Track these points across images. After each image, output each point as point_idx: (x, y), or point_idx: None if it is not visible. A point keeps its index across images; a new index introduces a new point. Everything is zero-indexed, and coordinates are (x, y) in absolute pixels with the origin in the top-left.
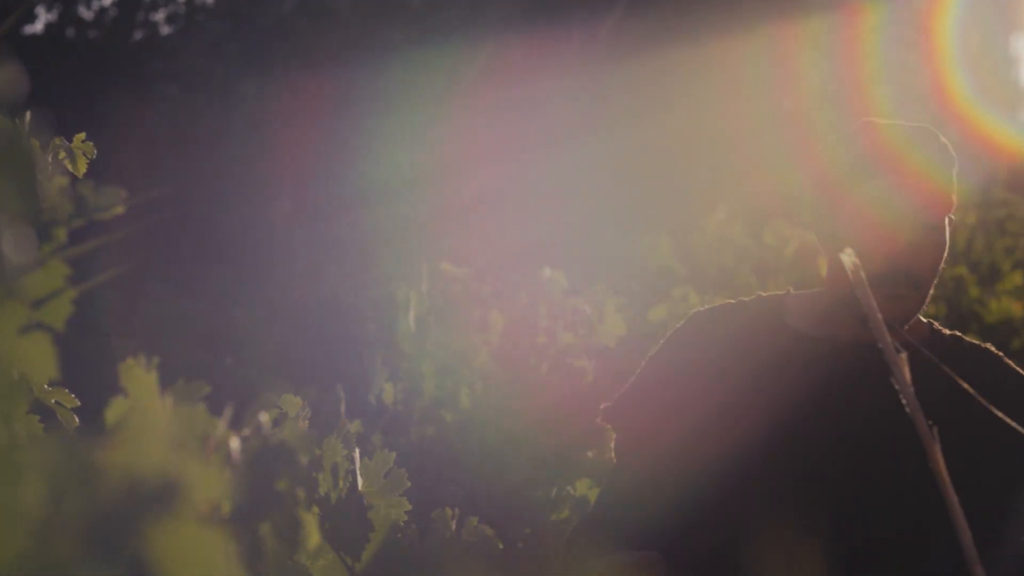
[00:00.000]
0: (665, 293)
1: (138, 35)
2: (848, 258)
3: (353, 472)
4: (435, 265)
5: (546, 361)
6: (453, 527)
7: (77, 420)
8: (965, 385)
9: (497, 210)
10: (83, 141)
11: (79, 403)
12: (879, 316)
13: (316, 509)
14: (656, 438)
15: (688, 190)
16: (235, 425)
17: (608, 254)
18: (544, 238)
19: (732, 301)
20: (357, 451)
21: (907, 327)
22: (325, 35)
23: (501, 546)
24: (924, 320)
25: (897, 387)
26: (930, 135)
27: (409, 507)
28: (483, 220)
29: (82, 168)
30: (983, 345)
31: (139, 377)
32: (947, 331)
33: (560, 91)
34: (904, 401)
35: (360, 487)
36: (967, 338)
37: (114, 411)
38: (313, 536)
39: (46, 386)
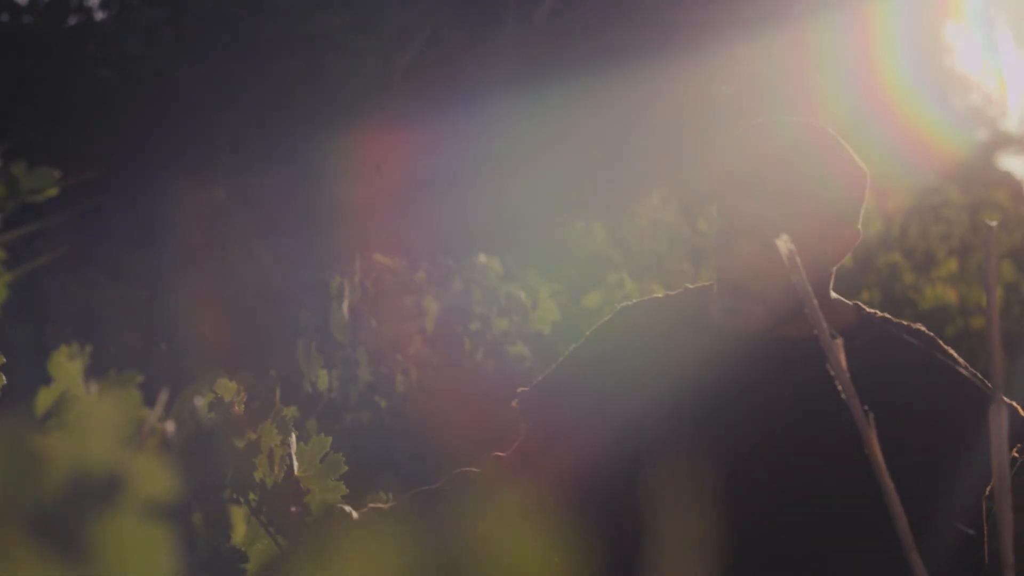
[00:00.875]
0: (599, 279)
1: (72, 20)
2: (783, 244)
3: (289, 457)
4: (369, 253)
5: (481, 347)
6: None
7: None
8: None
9: (432, 197)
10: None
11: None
12: (815, 302)
13: (252, 495)
14: (565, 433)
15: (622, 176)
16: (170, 411)
17: (542, 240)
18: (478, 225)
19: (659, 295)
20: (294, 436)
21: (832, 312)
22: (261, 22)
23: None
24: (849, 303)
25: (833, 373)
26: (821, 141)
27: (346, 492)
28: (418, 207)
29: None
30: (914, 326)
31: (65, 365)
32: (878, 313)
33: (495, 77)
34: (840, 387)
35: (296, 472)
36: (896, 320)
37: (44, 399)
38: (243, 523)
39: None
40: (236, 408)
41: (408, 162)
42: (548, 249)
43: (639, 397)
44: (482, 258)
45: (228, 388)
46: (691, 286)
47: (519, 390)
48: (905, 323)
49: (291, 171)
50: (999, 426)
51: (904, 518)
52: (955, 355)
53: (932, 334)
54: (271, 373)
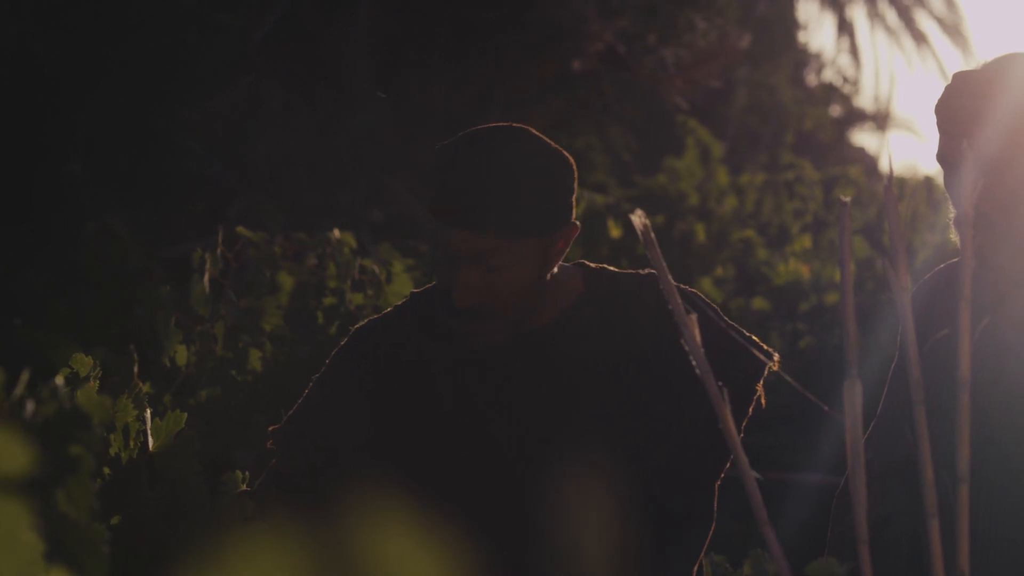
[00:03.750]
0: None
1: None
2: (637, 219)
3: (144, 433)
4: (230, 226)
5: (335, 321)
6: (244, 489)
7: None
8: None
9: (288, 172)
10: None
11: None
12: (670, 278)
13: (107, 470)
14: (321, 466)
15: None
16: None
17: (396, 215)
18: (333, 200)
19: (391, 308)
20: (149, 412)
21: (558, 293)
22: None
23: None
24: (573, 269)
25: (687, 349)
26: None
27: (199, 468)
28: (275, 182)
29: None
30: (641, 272)
31: None
32: (604, 273)
33: (352, 51)
34: (695, 363)
35: (151, 448)
36: (622, 272)
37: None
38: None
39: None
40: (92, 383)
41: (266, 135)
42: (401, 223)
43: (397, 424)
44: (336, 233)
45: (84, 363)
46: (416, 291)
47: (271, 428)
48: (631, 272)
49: (150, 146)
50: (852, 403)
51: (758, 495)
52: (695, 293)
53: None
54: (129, 348)
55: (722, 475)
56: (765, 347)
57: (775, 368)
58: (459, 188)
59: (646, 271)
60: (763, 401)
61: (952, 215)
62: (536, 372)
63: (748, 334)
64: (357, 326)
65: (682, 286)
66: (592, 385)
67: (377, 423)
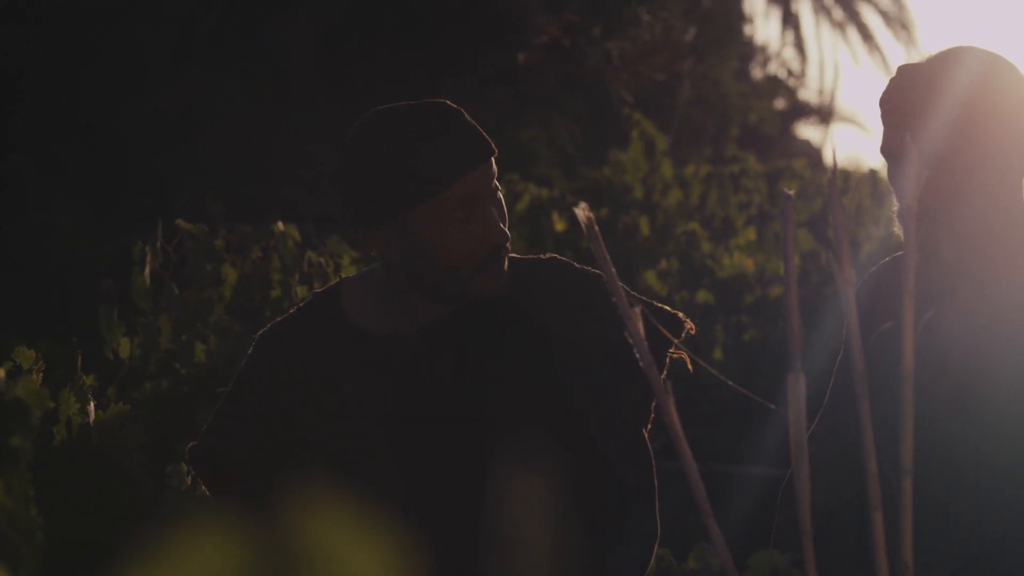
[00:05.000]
0: None
1: None
2: (581, 212)
3: (87, 425)
4: (171, 219)
5: (280, 315)
6: (188, 482)
7: None
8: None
9: (232, 164)
10: None
11: None
12: (613, 270)
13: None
14: (242, 480)
15: None
16: None
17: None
18: (277, 192)
19: (293, 310)
20: (92, 404)
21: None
22: None
23: None
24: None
25: (631, 341)
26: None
27: (143, 460)
28: (219, 174)
29: None
30: (547, 257)
31: None
32: (522, 261)
33: (296, 43)
34: (638, 354)
35: (94, 440)
36: (528, 258)
37: None
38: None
39: None
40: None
41: (210, 127)
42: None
43: (309, 424)
44: (280, 226)
45: (27, 356)
46: (319, 290)
47: (189, 446)
48: (533, 257)
49: (93, 138)
50: (796, 396)
51: (702, 488)
52: (598, 273)
53: (564, 259)
54: (71, 341)
55: (650, 419)
56: (679, 315)
57: (693, 331)
58: (456, 127)
59: (547, 256)
60: (689, 367)
61: (896, 208)
62: (468, 352)
63: (659, 304)
64: (260, 333)
65: (590, 269)
66: (522, 360)
67: (292, 427)
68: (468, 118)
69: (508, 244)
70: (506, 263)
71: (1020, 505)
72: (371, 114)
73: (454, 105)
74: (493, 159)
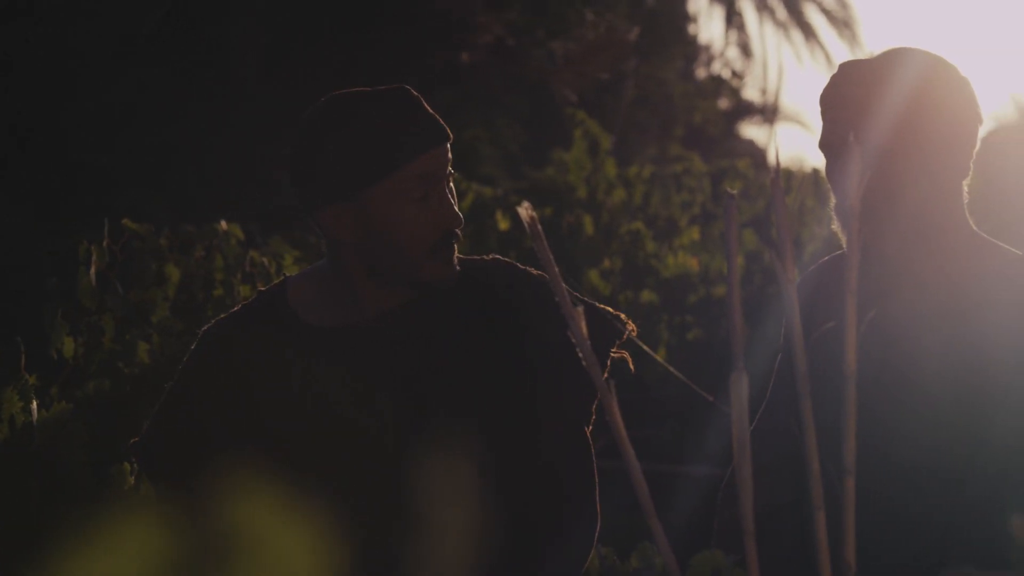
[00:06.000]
0: None
1: None
2: (524, 211)
3: (30, 424)
4: (117, 218)
5: (224, 313)
6: (132, 481)
7: None
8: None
9: (176, 163)
10: None
11: None
12: (556, 270)
13: None
14: (189, 475)
15: None
16: None
17: (285, 206)
18: (221, 191)
19: (237, 308)
20: (35, 403)
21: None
22: None
23: None
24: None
25: (574, 340)
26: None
27: (85, 459)
28: (163, 173)
29: None
30: (490, 258)
31: None
32: (466, 261)
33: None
34: (581, 354)
35: (37, 439)
36: (474, 258)
37: None
38: None
39: None
40: None
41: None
42: (291, 215)
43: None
44: (223, 225)
45: None
46: (263, 288)
47: (132, 441)
48: (476, 257)
49: (36, 137)
50: (739, 396)
51: (645, 488)
52: (531, 271)
53: (507, 259)
54: (15, 340)
55: (592, 419)
56: (622, 316)
57: (634, 333)
58: (416, 109)
59: (490, 257)
60: (631, 367)
61: (833, 203)
62: (415, 343)
63: (601, 306)
64: (204, 328)
65: (531, 269)
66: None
67: (235, 420)
68: (426, 104)
69: (460, 231)
70: (456, 250)
71: (961, 504)
72: (330, 96)
73: (414, 91)
74: (449, 146)
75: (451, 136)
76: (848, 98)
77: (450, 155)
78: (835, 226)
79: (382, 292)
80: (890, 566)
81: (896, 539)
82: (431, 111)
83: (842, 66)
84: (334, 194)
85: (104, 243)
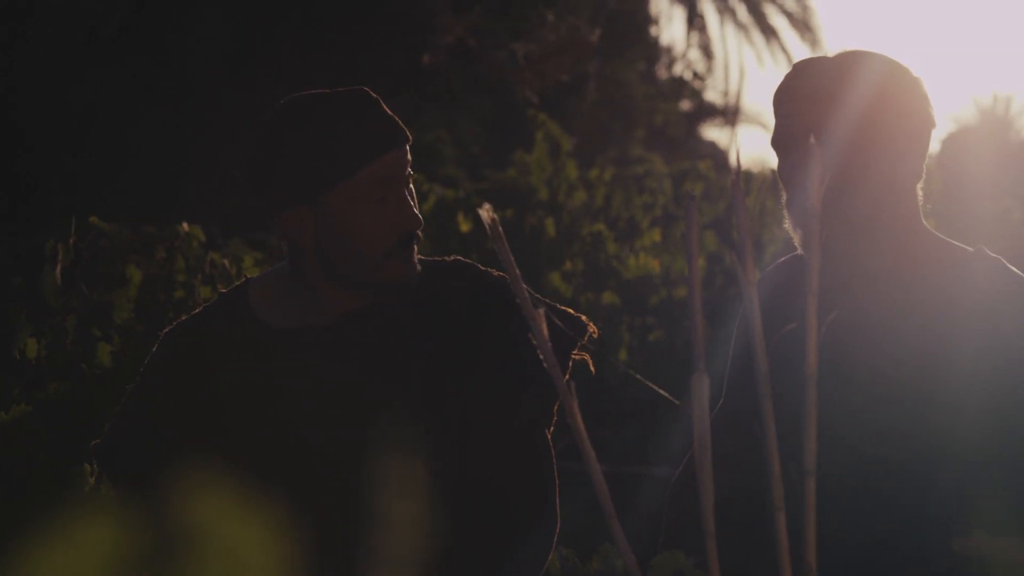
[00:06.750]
0: None
1: None
2: (485, 213)
3: None
4: (83, 218)
5: (185, 315)
6: (92, 482)
7: None
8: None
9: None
10: None
11: None
12: (517, 271)
13: None
14: (150, 476)
15: None
16: None
17: (247, 208)
18: (183, 192)
19: (198, 310)
20: None
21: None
22: None
23: None
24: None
25: (534, 342)
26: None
27: (46, 460)
28: (126, 174)
29: None
30: (451, 259)
31: None
32: (427, 263)
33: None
34: (541, 356)
35: None
36: (438, 260)
37: None
38: None
39: None
40: None
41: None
42: (251, 217)
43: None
44: (185, 226)
45: None
46: (224, 290)
47: (93, 443)
48: (438, 259)
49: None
50: (700, 397)
51: (606, 489)
52: (493, 272)
53: (468, 260)
54: None
55: (553, 421)
56: (583, 318)
57: (596, 335)
58: (375, 111)
59: (452, 259)
60: (592, 368)
61: (784, 198)
62: (375, 345)
63: (562, 307)
64: (166, 330)
65: (493, 271)
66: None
67: (197, 420)
68: (384, 106)
69: (420, 232)
70: (416, 251)
71: (914, 506)
72: (289, 99)
73: (372, 92)
74: (408, 148)
75: (410, 138)
76: (802, 95)
77: (409, 157)
78: (787, 224)
79: (343, 294)
80: (839, 563)
81: (847, 539)
82: (390, 113)
83: (797, 64)
84: (294, 197)
85: (71, 241)
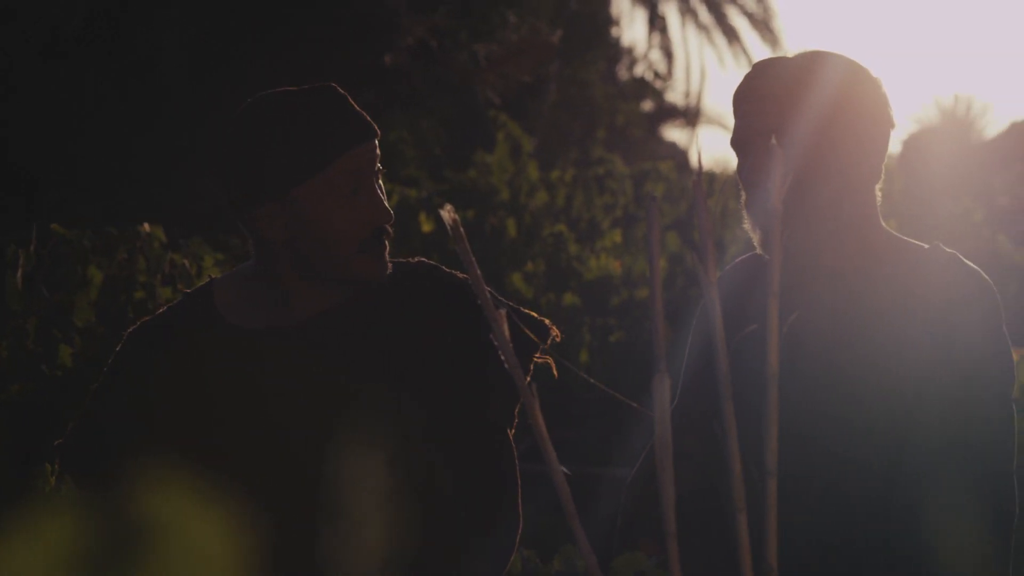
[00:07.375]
0: None
1: None
2: (447, 214)
3: None
4: (44, 220)
5: (146, 316)
6: (53, 482)
7: None
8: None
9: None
10: None
11: None
12: (478, 272)
13: None
14: (113, 476)
15: None
16: None
17: (207, 208)
18: (146, 193)
19: (162, 310)
20: None
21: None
22: None
23: None
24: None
25: (496, 343)
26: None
27: (8, 460)
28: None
29: None
30: (415, 260)
31: None
32: (392, 264)
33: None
34: (503, 357)
35: None
36: (404, 261)
37: None
38: None
39: None
40: None
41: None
42: (212, 217)
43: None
44: (146, 227)
45: None
46: (188, 291)
47: (56, 443)
48: (402, 260)
49: None
50: (662, 398)
51: (568, 490)
52: (456, 274)
53: (432, 262)
54: None
55: (515, 422)
56: (546, 321)
57: (559, 338)
58: (343, 106)
59: (415, 259)
60: (555, 371)
61: (744, 199)
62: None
63: (524, 310)
64: (129, 330)
65: (457, 273)
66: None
67: (160, 420)
68: (352, 101)
69: (391, 228)
70: (387, 247)
71: (875, 500)
72: (256, 97)
73: (340, 89)
74: (377, 142)
75: (379, 132)
76: (761, 95)
77: (379, 151)
78: (747, 225)
79: (312, 293)
80: (801, 563)
81: (808, 539)
82: (358, 108)
83: (756, 64)
84: (265, 194)
85: (31, 247)
